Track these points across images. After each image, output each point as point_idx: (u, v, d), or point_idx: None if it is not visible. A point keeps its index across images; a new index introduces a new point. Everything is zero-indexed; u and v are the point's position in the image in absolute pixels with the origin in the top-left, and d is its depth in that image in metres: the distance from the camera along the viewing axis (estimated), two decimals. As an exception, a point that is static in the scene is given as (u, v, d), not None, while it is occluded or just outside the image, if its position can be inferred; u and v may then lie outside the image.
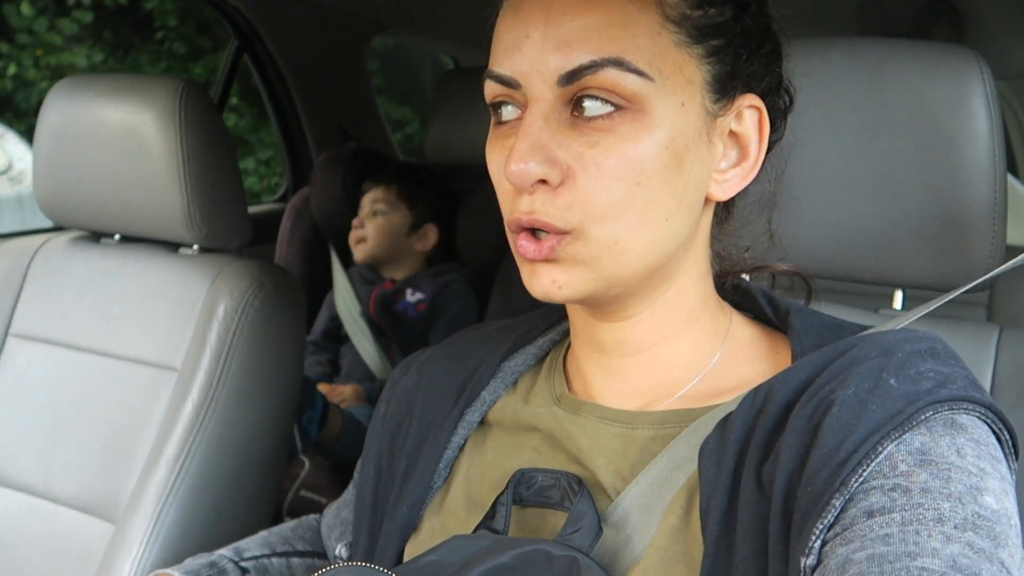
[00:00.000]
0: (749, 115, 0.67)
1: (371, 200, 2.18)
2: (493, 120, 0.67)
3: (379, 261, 2.21)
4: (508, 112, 0.66)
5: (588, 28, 0.61)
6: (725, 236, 0.75)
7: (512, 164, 0.61)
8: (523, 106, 0.64)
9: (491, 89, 0.65)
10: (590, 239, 0.63)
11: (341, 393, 2.05)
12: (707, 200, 0.68)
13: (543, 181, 0.62)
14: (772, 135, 0.70)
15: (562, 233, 0.63)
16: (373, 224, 2.17)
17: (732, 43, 0.65)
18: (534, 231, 0.64)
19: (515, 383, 0.80)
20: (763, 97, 0.68)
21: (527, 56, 0.62)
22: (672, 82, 0.62)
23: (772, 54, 0.69)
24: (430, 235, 2.20)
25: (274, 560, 0.92)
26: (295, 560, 0.93)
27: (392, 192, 2.17)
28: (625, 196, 0.62)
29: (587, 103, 0.61)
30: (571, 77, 0.61)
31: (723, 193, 0.67)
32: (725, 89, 0.65)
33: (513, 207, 0.64)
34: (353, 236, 2.18)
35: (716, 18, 0.64)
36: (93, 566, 1.20)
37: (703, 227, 0.70)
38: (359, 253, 2.18)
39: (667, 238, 0.65)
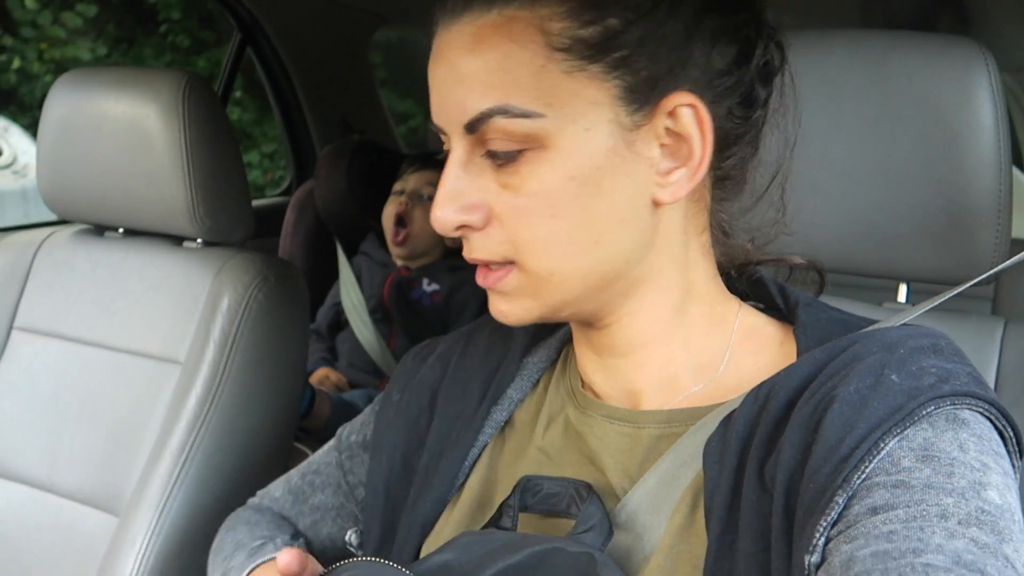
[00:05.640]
0: (686, 112, 0.63)
1: (423, 182, 2.09)
2: None
3: (420, 254, 2.12)
4: None
5: (473, 78, 0.61)
6: (731, 214, 0.73)
7: (434, 211, 0.64)
8: None
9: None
10: (528, 271, 0.65)
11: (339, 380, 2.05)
12: (657, 204, 0.65)
13: (465, 226, 0.65)
14: (750, 112, 0.67)
15: (508, 263, 0.65)
16: (424, 210, 2.06)
17: (641, 49, 0.61)
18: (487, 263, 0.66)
19: (537, 382, 0.79)
20: (707, 86, 0.64)
21: (441, 106, 0.64)
22: (569, 111, 0.61)
23: (710, 39, 0.64)
24: None
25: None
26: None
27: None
28: (546, 231, 0.63)
29: (494, 147, 0.62)
30: (472, 127, 0.62)
31: (672, 196, 0.64)
32: (646, 97, 0.62)
33: None
34: (397, 230, 2.07)
35: (613, 30, 0.61)
36: (97, 559, 1.21)
37: (665, 229, 0.67)
38: (404, 250, 2.10)
39: (606, 257, 0.64)
